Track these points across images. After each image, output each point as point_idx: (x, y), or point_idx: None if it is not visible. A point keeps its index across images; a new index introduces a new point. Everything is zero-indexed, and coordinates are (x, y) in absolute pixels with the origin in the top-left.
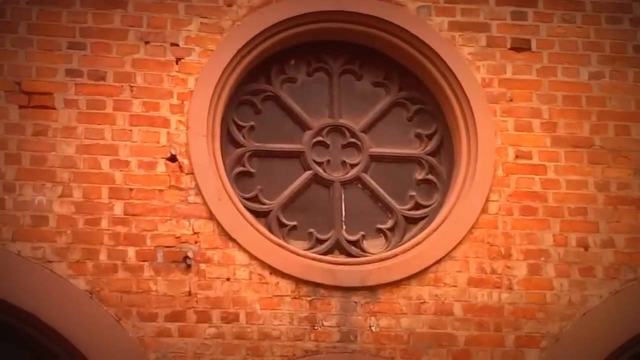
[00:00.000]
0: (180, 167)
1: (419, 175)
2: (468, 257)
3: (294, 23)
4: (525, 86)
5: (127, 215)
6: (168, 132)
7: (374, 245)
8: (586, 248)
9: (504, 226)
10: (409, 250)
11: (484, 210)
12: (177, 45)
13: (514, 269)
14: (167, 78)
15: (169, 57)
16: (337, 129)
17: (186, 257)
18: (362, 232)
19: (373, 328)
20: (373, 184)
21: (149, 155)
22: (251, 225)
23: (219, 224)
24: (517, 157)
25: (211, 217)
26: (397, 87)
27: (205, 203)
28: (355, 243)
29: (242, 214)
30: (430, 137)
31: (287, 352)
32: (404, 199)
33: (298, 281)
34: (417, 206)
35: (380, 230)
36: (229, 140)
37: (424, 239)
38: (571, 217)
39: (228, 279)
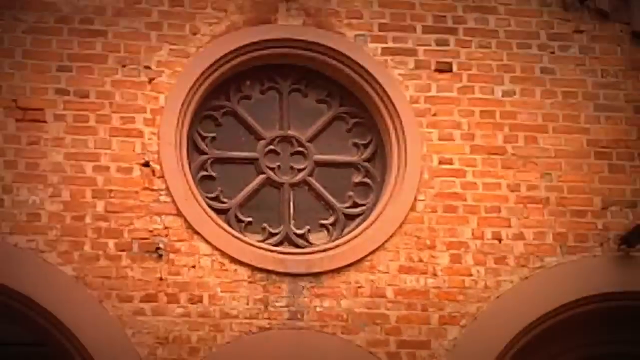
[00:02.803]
0: (153, 171)
1: (356, 178)
2: (399, 248)
3: (249, 49)
4: (447, 102)
5: (107, 212)
6: (142, 142)
7: (318, 238)
8: (500, 240)
9: (429, 222)
10: (348, 242)
11: (412, 208)
12: (150, 68)
13: (438, 258)
14: (141, 96)
15: (142, 78)
16: (286, 139)
17: (158, 248)
18: (308, 227)
19: (317, 308)
20: (317, 186)
21: (126, 162)
22: (213, 221)
23: (185, 220)
24: (440, 163)
25: (179, 213)
26: (338, 103)
27: (174, 202)
28: (302, 236)
29: (206, 211)
30: (366, 146)
31: (244, 328)
32: (344, 198)
33: (253, 268)
34: (355, 205)
35: (323, 225)
36: (194, 148)
37: (360, 233)
38: (487, 214)
39: (194, 267)
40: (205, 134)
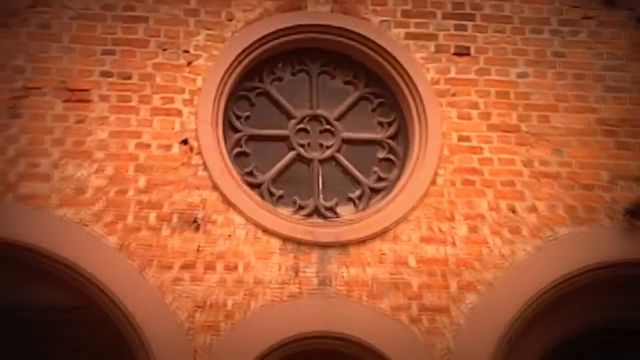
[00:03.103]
0: (191, 148)
1: (381, 154)
2: (420, 219)
3: (281, 34)
4: (466, 83)
5: (148, 186)
6: (181, 121)
7: (345, 210)
8: (514, 212)
9: (449, 195)
10: (373, 214)
11: (433, 182)
12: (188, 52)
13: (456, 229)
14: (180, 78)
15: (181, 61)
16: (315, 118)
17: (195, 219)
18: (336, 200)
19: (344, 275)
20: (344, 161)
21: (166, 139)
22: (247, 194)
23: (221, 193)
24: (459, 140)
25: (215, 187)
26: (363, 84)
27: (210, 177)
28: (330, 208)
29: (240, 185)
30: (389, 124)
31: (276, 294)
32: (369, 173)
33: (285, 239)
34: (379, 179)
35: (350, 198)
36: (229, 126)
37: (385, 206)
38: (502, 188)
39: (229, 237)
40: (239, 113)
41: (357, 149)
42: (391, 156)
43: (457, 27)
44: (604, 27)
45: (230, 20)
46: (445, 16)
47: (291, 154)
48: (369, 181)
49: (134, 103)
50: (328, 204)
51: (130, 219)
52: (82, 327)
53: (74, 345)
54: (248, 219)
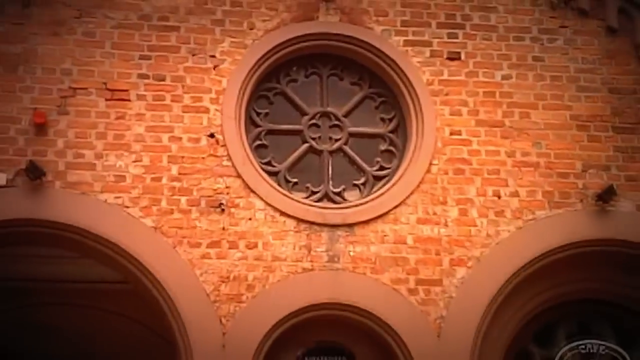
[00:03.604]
0: (217, 141)
1: (383, 147)
2: (417, 203)
3: (296, 41)
4: (457, 85)
5: (180, 174)
6: (208, 117)
7: (352, 195)
8: (499, 197)
9: (442, 182)
10: (376, 198)
11: (428, 171)
12: (215, 56)
13: (448, 212)
14: (207, 79)
15: (209, 65)
16: (325, 114)
17: (221, 203)
18: (343, 186)
19: (351, 253)
20: (351, 152)
21: (195, 133)
22: (266, 181)
23: (243, 181)
24: (451, 134)
25: (238, 175)
26: (368, 85)
27: (234, 166)
28: (338, 194)
29: (260, 173)
30: (390, 120)
31: (291, 269)
32: (372, 163)
33: (299, 220)
34: (382, 168)
35: (356, 185)
36: (250, 122)
37: (386, 191)
38: (488, 176)
39: (250, 219)
40: (259, 110)
41: (362, 142)
42: (392, 148)
43: (450, 35)
44: (578, 35)
45: (251, 29)
46: (439, 25)
47: (304, 146)
48: (372, 170)
49: (167, 101)
50: (336, 190)
51: (163, 203)
52: (124, 297)
53: (117, 311)
54: (266, 203)
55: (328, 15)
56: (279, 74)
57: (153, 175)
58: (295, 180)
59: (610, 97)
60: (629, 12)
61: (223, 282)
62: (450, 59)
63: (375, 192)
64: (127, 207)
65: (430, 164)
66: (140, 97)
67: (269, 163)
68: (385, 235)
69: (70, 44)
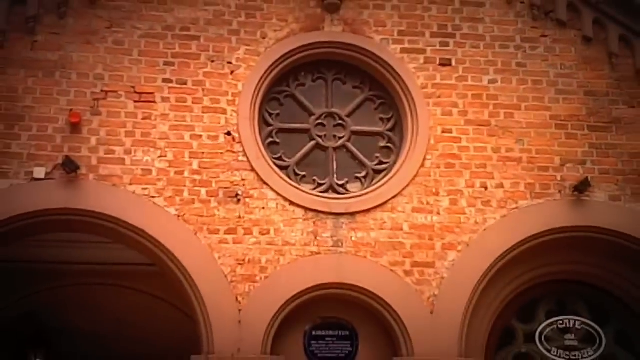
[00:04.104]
0: (233, 139)
1: (382, 143)
2: (412, 194)
3: (304, 49)
4: (448, 88)
5: (200, 168)
6: (225, 117)
7: (354, 187)
8: (486, 188)
9: (435, 175)
10: (375, 190)
11: (422, 165)
12: (231, 63)
13: (441, 202)
14: (225, 83)
15: (226, 70)
16: (330, 115)
17: (237, 194)
18: (347, 179)
19: (353, 238)
20: (353, 149)
21: (214, 131)
22: (277, 175)
23: (257, 174)
24: (443, 132)
25: (252, 169)
26: (368, 88)
27: (249, 161)
28: (342, 186)
29: (272, 167)
30: (388, 119)
31: (300, 253)
32: (372, 158)
33: (306, 209)
34: (381, 163)
35: (357, 178)
36: (263, 122)
37: (385, 183)
38: (476, 169)
39: (263, 208)
40: (271, 111)
41: (363, 139)
42: (390, 145)
43: (442, 44)
44: (557, 44)
45: (264, 38)
46: (432, 35)
47: (311, 143)
48: (372, 164)
49: (188, 103)
50: (340, 182)
51: (186, 193)
52: (151, 278)
53: (145, 290)
54: (278, 194)
55: (333, 25)
56: (288, 79)
57: (176, 169)
58: (303, 173)
59: (586, 99)
60: (602, 22)
61: (239, 264)
62: (442, 65)
63: (375, 184)
64: (153, 197)
65: (424, 159)
66: (164, 100)
67: (280, 158)
68: (384, 223)
69: (102, 51)
